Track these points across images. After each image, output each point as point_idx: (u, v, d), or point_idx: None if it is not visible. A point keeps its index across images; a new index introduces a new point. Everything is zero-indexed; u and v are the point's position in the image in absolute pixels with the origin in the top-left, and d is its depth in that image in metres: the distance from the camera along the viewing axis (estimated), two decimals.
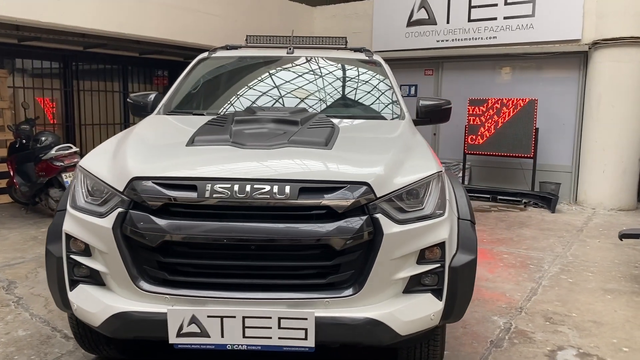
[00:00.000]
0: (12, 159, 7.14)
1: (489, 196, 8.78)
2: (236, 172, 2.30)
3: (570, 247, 5.90)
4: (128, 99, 3.90)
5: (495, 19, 8.99)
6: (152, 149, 2.65)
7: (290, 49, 4.15)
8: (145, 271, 2.27)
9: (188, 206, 2.22)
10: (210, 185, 2.21)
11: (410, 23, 9.77)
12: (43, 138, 6.90)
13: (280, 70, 4.02)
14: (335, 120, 3.14)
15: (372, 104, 3.79)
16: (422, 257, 2.38)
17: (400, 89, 10.43)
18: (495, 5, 8.95)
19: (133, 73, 10.31)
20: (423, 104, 3.74)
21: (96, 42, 8.35)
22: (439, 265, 2.39)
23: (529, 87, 9.07)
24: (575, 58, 8.65)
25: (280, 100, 3.63)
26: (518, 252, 5.67)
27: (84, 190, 2.48)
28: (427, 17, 9.60)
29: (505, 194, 8.69)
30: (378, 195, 2.28)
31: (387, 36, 10.01)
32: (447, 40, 9.48)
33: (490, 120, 8.80)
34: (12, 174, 7.13)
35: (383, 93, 3.82)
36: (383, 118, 3.57)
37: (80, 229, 2.38)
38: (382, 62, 4.08)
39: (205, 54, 4.21)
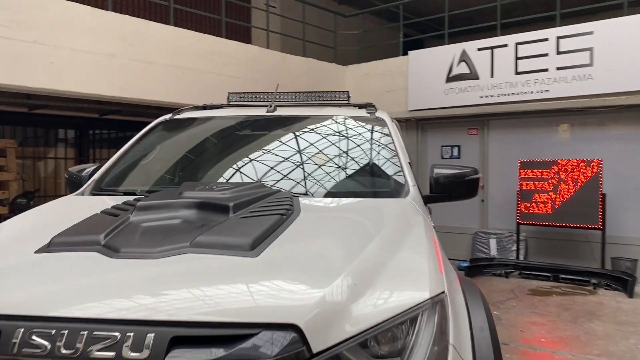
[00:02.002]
0: None
1: (549, 275, 7.36)
2: (70, 307, 1.36)
3: None
4: (65, 174, 3.12)
5: (546, 70, 7.90)
6: None
7: (270, 106, 3.27)
8: None
9: None
10: (22, 330, 1.28)
11: (449, 78, 8.84)
12: None
13: (252, 134, 3.14)
14: (305, 201, 2.21)
15: (364, 175, 2.81)
16: None
17: (442, 150, 9.55)
18: (546, 55, 7.89)
19: None
20: (439, 174, 2.71)
21: (110, 108, 7.91)
22: None
23: (591, 146, 7.81)
24: None
25: (240, 174, 2.72)
26: None
27: None
28: (468, 72, 8.65)
29: (569, 272, 7.27)
30: (315, 350, 1.27)
31: (424, 93, 9.10)
32: (492, 96, 8.43)
33: (547, 185, 7.56)
34: None
35: (382, 160, 2.84)
36: (377, 195, 2.58)
37: None
38: (387, 120, 3.13)
39: (167, 116, 3.43)
